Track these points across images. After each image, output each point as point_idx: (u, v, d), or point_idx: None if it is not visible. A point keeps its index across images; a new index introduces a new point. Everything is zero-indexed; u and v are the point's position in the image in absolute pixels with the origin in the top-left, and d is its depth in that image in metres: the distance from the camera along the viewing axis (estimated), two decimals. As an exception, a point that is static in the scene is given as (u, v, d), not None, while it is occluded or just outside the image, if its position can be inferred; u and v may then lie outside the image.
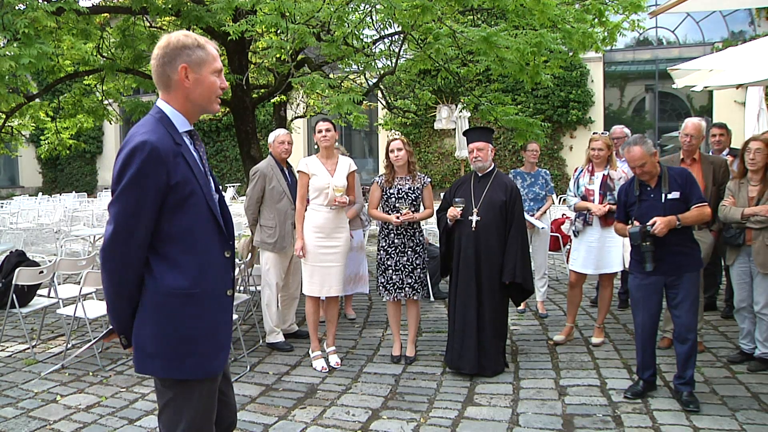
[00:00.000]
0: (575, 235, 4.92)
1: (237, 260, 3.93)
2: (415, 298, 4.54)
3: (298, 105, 12.96)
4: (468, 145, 4.47)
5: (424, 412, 3.65)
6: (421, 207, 4.61)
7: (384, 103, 9.78)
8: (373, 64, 7.15)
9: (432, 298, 6.36)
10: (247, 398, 3.92)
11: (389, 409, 3.70)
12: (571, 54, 6.93)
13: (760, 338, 4.15)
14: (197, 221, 1.97)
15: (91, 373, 4.42)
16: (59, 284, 5.81)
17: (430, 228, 7.34)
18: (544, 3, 5.64)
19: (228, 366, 2.25)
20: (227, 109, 8.48)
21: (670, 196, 3.64)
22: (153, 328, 1.93)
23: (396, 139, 4.57)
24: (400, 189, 4.50)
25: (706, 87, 5.83)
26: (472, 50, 6.42)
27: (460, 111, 11.91)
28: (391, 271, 4.52)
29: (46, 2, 5.96)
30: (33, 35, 5.54)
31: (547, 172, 5.97)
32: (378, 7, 6.07)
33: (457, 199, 4.31)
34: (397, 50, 7.30)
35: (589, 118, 17.65)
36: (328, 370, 4.42)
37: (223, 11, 5.81)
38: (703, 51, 15.34)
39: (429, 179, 4.65)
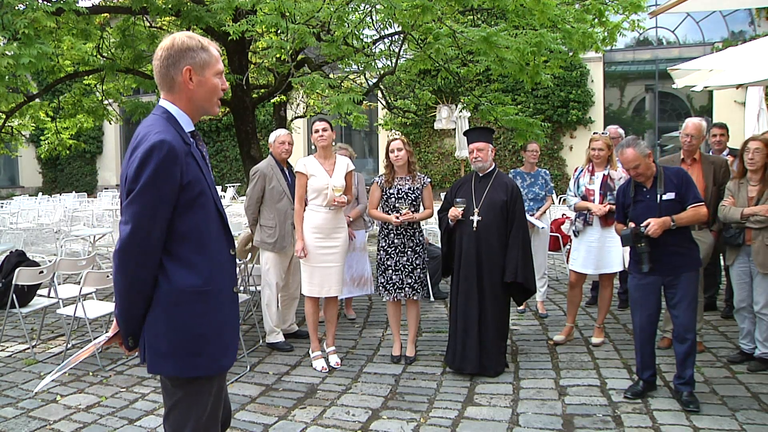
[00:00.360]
0: (575, 235, 4.92)
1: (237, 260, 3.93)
2: (415, 298, 4.54)
3: (298, 105, 12.97)
4: (468, 145, 4.47)
5: (424, 412, 3.65)
6: (421, 207, 4.60)
7: (384, 103, 9.79)
8: (373, 64, 7.16)
9: (432, 298, 6.36)
10: (247, 398, 3.92)
11: (389, 409, 3.70)
12: (571, 54, 6.94)
13: (760, 338, 4.15)
14: (207, 220, 1.98)
15: (91, 373, 4.42)
16: (59, 284, 5.81)
17: (430, 228, 7.35)
18: (544, 3, 5.64)
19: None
20: (227, 109, 8.48)
21: (665, 197, 3.64)
22: (166, 328, 1.93)
23: (396, 139, 4.57)
24: (400, 189, 4.50)
25: (706, 87, 5.82)
26: (472, 50, 6.43)
27: (460, 111, 11.91)
28: (391, 271, 4.52)
29: (46, 2, 5.96)
30: (33, 35, 5.54)
31: (547, 172, 5.96)
32: (378, 7, 6.08)
33: (458, 199, 4.31)
34: (397, 50, 7.31)
35: (589, 118, 17.66)
36: (328, 370, 4.42)
37: (223, 11, 5.81)
38: (703, 51, 15.35)
39: (429, 179, 4.65)
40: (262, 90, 9.18)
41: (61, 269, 5.27)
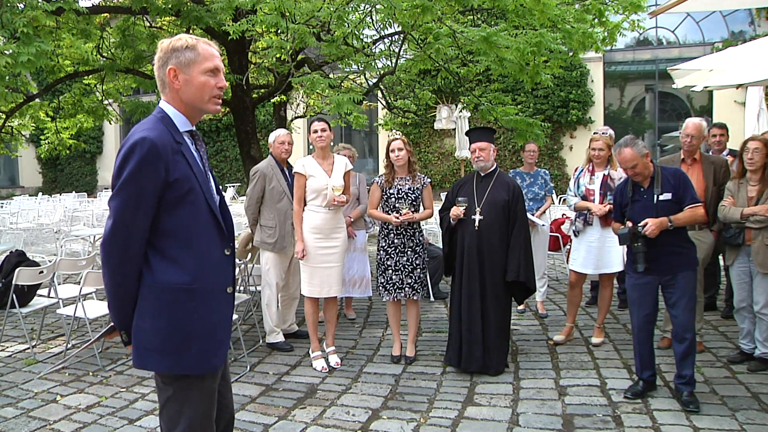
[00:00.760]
0: (575, 235, 4.92)
1: (237, 260, 3.92)
2: (415, 298, 4.54)
3: (298, 105, 12.97)
4: (470, 145, 4.48)
5: (424, 412, 3.65)
6: (421, 207, 4.60)
7: (384, 103, 9.79)
8: (373, 64, 7.16)
9: (432, 298, 6.36)
10: (247, 398, 3.92)
11: (389, 409, 3.70)
12: (571, 54, 6.94)
13: (760, 338, 4.15)
14: (196, 218, 1.99)
15: (91, 373, 4.42)
16: (59, 284, 5.81)
17: (430, 228, 7.35)
18: (544, 3, 5.64)
19: (227, 367, 2.25)
20: (227, 109, 8.48)
21: (662, 197, 3.64)
22: (152, 323, 1.94)
23: (396, 138, 4.57)
24: (400, 189, 4.50)
25: (706, 87, 5.83)
26: (472, 50, 6.43)
27: (460, 111, 11.91)
28: (391, 271, 4.52)
29: (45, 2, 5.96)
30: (32, 34, 5.54)
31: (547, 172, 5.97)
32: (378, 7, 6.08)
33: (460, 199, 4.31)
34: (397, 50, 7.31)
35: (589, 118, 17.66)
36: (328, 370, 4.42)
37: (223, 11, 5.81)
38: (703, 51, 15.36)
39: (429, 179, 4.65)
40: (262, 90, 9.18)
41: (61, 269, 5.27)
